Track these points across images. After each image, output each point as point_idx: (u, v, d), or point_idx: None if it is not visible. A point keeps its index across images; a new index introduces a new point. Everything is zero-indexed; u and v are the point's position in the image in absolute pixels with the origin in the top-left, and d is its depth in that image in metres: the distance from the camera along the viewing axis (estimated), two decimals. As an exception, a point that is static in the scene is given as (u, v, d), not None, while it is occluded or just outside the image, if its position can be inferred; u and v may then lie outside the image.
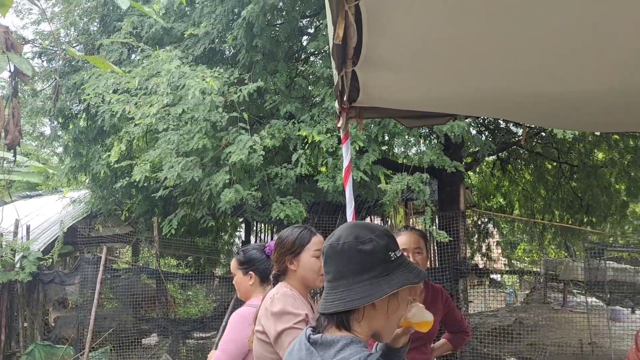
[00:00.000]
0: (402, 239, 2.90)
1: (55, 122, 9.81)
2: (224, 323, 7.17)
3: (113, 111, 6.94)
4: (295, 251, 2.48)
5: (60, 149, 12.00)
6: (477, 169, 13.83)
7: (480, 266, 11.59)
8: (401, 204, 8.49)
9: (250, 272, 2.97)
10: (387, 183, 6.78)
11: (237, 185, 6.59)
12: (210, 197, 7.00)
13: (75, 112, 9.37)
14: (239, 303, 3.33)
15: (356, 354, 1.32)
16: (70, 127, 9.41)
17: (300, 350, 1.42)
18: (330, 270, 1.43)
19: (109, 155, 7.66)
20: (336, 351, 1.35)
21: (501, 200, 14.50)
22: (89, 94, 7.22)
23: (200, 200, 7.36)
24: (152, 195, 8.31)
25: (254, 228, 14.51)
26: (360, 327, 1.41)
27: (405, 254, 2.88)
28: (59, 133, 10.22)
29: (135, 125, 6.94)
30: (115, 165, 7.87)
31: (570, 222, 12.10)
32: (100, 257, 8.87)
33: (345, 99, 2.48)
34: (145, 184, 7.61)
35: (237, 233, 14.93)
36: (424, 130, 8.79)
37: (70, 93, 8.62)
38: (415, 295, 2.93)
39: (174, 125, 6.94)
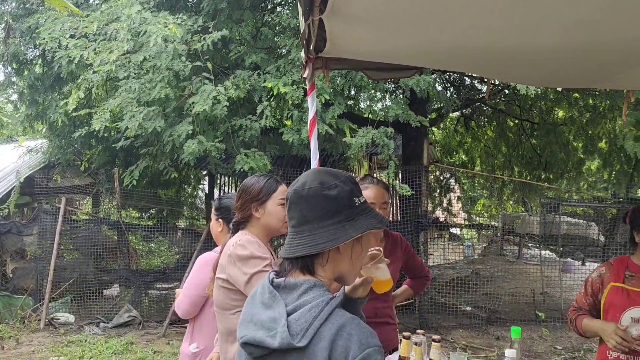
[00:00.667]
0: (370, 193, 2.94)
1: (9, 68, 9.37)
2: (186, 273, 7.19)
3: (70, 57, 6.67)
4: (262, 199, 2.49)
5: (14, 96, 11.50)
6: (441, 125, 13.97)
7: (441, 220, 11.87)
8: (365, 158, 8.54)
9: (220, 220, 3.02)
10: (352, 137, 6.79)
11: (201, 136, 6.49)
12: (173, 148, 6.89)
13: (30, 57, 8.97)
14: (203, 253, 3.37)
15: (319, 297, 1.35)
16: (25, 73, 9.02)
17: (263, 294, 1.44)
18: (295, 215, 1.44)
19: (66, 104, 7.40)
20: (299, 294, 1.37)
21: (463, 156, 14.74)
22: (44, 39, 6.90)
23: (163, 151, 7.24)
24: (113, 145, 8.13)
25: (218, 181, 14.42)
26: (324, 272, 1.43)
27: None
28: (13, 79, 9.77)
29: (94, 72, 6.71)
30: (74, 114, 7.63)
31: (528, 178, 12.44)
32: (59, 208, 8.70)
33: (311, 48, 2.44)
34: (105, 134, 7.43)
35: (201, 185, 14.81)
36: (389, 86, 8.78)
37: (25, 37, 8.22)
38: (377, 242, 2.98)
39: (134, 74, 6.73)
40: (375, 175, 10.98)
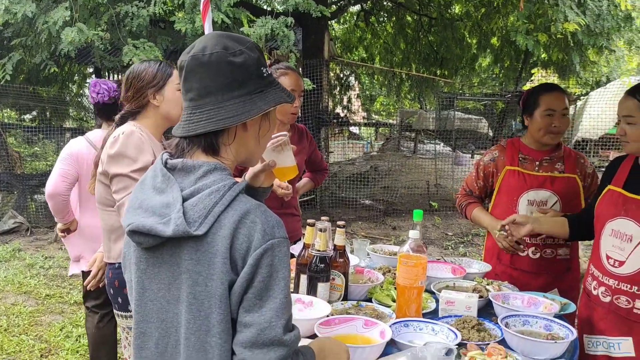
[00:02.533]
0: (290, 80, 2.79)
1: None
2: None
3: None
4: (158, 84, 2.28)
5: None
6: (341, 20, 13.69)
7: (341, 117, 11.95)
8: (265, 51, 8.20)
9: None
10: (250, 27, 6.41)
11: (81, 24, 5.83)
12: (50, 38, 6.17)
13: None
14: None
15: (220, 181, 1.19)
16: None
17: (155, 177, 1.25)
18: (194, 86, 1.22)
19: None
20: (197, 178, 1.20)
21: (363, 53, 14.67)
22: None
23: (38, 41, 6.48)
24: (-23, 35, 7.17)
25: (106, 79, 13.44)
26: (227, 152, 1.26)
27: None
28: None
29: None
30: None
31: (425, 74, 12.67)
32: None
33: None
34: (-33, 23, 6.49)
35: (87, 84, 13.73)
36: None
37: None
38: (283, 128, 2.85)
39: (-6, -52, 5.81)
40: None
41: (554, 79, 10.92)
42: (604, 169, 2.32)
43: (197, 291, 1.16)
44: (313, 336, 1.73)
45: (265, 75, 1.26)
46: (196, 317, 1.17)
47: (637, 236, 2.00)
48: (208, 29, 3.72)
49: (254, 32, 6.22)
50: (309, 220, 2.21)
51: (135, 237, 1.20)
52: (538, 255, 2.66)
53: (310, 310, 1.98)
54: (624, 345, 2.08)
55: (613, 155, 11.11)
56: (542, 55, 9.15)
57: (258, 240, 1.14)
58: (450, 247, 7.43)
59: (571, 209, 2.63)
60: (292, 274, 2.17)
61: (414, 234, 2.01)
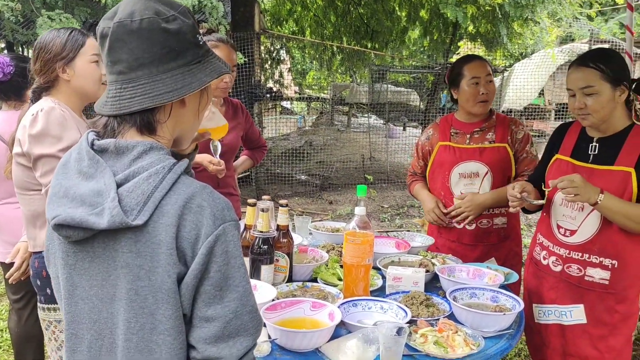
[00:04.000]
0: (223, 53, 2.59)
1: None
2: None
3: None
4: (68, 56, 2.06)
5: None
6: (271, -8, 13.39)
7: (274, 90, 11.79)
8: (192, 24, 7.91)
9: None
10: (176, -2, 6.11)
11: (-13, -7, 5.36)
12: (-48, 9, 5.64)
13: None
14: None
15: (158, 162, 1.05)
16: None
17: (81, 161, 1.09)
18: (123, 57, 1.07)
19: None
20: (131, 160, 1.06)
21: (293, 26, 14.44)
22: None
23: (-61, 13, 5.91)
24: None
25: (20, 53, 12.59)
26: (164, 131, 1.12)
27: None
28: None
29: None
30: None
31: (356, 47, 12.64)
32: None
33: None
34: None
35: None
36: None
37: None
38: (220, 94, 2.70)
39: None
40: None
41: (479, 51, 11.17)
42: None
43: (139, 286, 1.03)
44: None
45: (201, 43, 1.14)
46: (138, 314, 1.04)
47: (588, 205, 2.00)
48: None
49: (180, 1, 5.95)
50: (249, 200, 2.11)
51: (62, 230, 1.05)
52: (474, 226, 2.69)
53: (254, 294, 1.89)
54: (576, 312, 2.12)
55: (537, 125, 11.56)
56: (470, 28, 9.30)
57: (208, 227, 1.02)
58: (386, 220, 7.51)
59: (503, 178, 2.66)
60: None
61: (359, 210, 1.96)
